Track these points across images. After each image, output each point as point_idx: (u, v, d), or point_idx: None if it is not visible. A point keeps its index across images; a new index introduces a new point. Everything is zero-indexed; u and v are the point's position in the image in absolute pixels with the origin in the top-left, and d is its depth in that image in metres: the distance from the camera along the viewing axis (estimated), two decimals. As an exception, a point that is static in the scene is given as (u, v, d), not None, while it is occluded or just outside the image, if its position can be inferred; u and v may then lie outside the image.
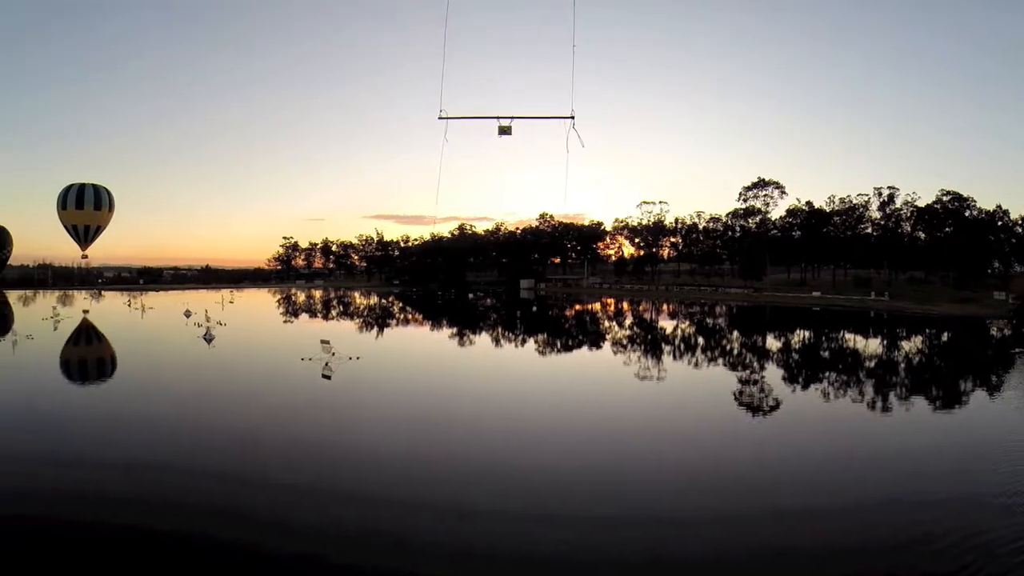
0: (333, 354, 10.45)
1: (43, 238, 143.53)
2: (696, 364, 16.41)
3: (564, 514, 5.42)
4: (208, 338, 15.10)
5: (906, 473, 6.98)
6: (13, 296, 49.33)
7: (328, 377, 9.71)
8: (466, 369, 12.98)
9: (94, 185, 55.88)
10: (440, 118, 10.11)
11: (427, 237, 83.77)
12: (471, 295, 53.05)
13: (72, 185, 55.21)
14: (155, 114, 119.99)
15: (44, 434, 7.59)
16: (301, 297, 49.30)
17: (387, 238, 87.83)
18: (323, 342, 10.67)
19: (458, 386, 10.60)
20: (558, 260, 78.89)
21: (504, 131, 10.40)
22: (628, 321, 30.57)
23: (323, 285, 78.20)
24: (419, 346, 17.43)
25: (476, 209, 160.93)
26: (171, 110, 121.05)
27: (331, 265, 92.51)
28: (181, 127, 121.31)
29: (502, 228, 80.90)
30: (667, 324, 29.15)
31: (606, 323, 28.80)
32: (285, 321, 27.18)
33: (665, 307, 42.04)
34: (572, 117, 10.11)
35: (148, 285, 73.80)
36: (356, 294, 55.74)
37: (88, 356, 14.96)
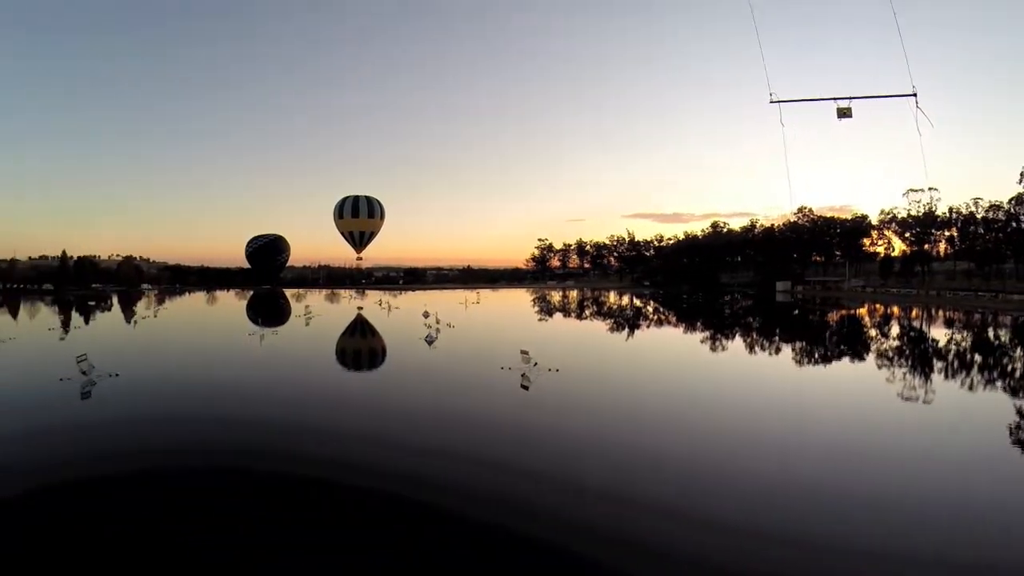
0: (535, 364, 9.78)
1: (320, 244, 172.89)
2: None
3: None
4: (429, 340, 15.35)
5: None
6: (288, 293, 56.00)
7: (526, 388, 8.79)
8: (690, 388, 10.25)
9: (367, 197, 64.52)
10: (771, 102, 10.36)
11: (681, 236, 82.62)
12: (723, 298, 49.03)
13: (348, 197, 63.93)
14: (420, 125, 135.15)
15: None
16: (548, 297, 47.88)
17: (639, 238, 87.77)
18: (523, 352, 10.20)
19: (674, 410, 8.30)
20: (821, 259, 72.38)
21: (843, 114, 10.17)
22: (908, 337, 22.50)
23: (573, 285, 79.64)
24: (638, 356, 15.37)
25: (736, 204, 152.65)
26: (432, 119, 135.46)
27: (586, 265, 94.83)
28: (443, 134, 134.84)
29: (757, 225, 75.77)
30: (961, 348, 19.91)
31: (881, 337, 21.89)
32: (513, 323, 25.86)
33: (944, 316, 32.18)
34: (914, 95, 9.75)
35: (408, 285, 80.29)
36: (602, 295, 53.52)
37: (311, 352, 15.27)
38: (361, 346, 16.77)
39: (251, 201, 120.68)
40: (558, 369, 10.03)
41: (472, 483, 5.08)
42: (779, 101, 10.26)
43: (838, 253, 70.39)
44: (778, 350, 17.22)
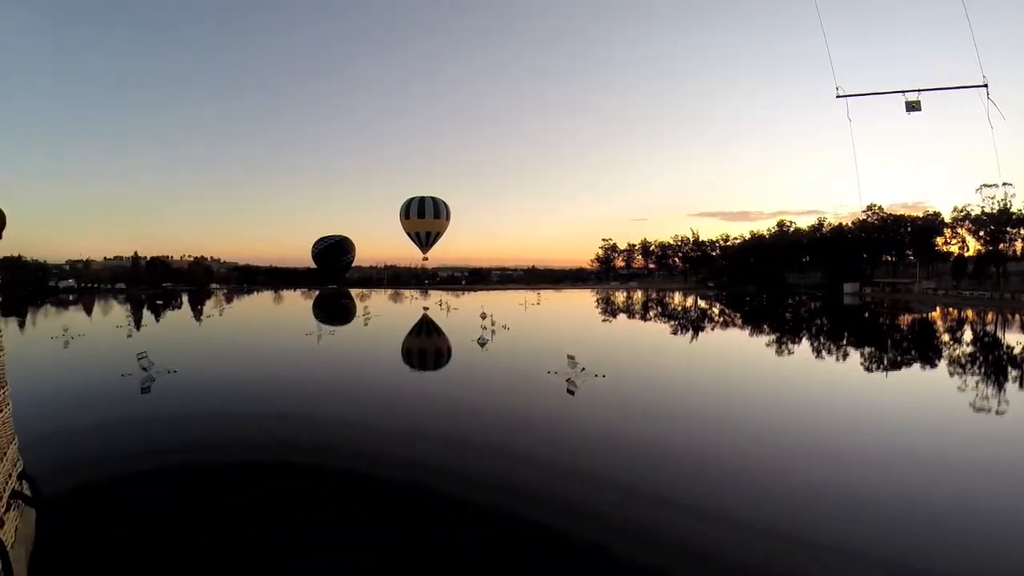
0: (583, 369, 9.52)
1: (385, 244, 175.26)
2: None
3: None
4: (482, 341, 15.16)
5: None
6: (353, 293, 58.05)
7: (572, 392, 8.65)
8: (736, 396, 9.29)
9: (433, 197, 64.26)
10: (838, 96, 10.18)
11: (747, 236, 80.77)
12: (788, 300, 47.28)
13: (414, 198, 64.31)
14: (485, 124, 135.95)
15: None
16: (609, 299, 46.97)
17: (704, 237, 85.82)
18: (569, 356, 9.92)
19: (716, 417, 7.91)
20: (892, 258, 68.96)
21: (912, 107, 9.93)
22: (984, 345, 19.82)
23: (636, 286, 78.26)
24: (691, 361, 14.13)
25: (804, 202, 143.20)
26: (498, 118, 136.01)
27: (651, 266, 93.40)
28: (509, 134, 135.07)
29: (825, 223, 72.51)
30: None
31: (954, 344, 19.46)
32: (568, 326, 24.71)
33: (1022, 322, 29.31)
34: (985, 86, 9.54)
35: (470, 286, 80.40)
36: (665, 296, 52.36)
37: (364, 352, 15.24)
38: (413, 347, 16.44)
39: (319, 203, 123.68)
40: (604, 375, 9.73)
41: (505, 481, 5.04)
42: (846, 96, 10.14)
43: (909, 253, 66.59)
44: (844, 357, 15.44)
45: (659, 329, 23.72)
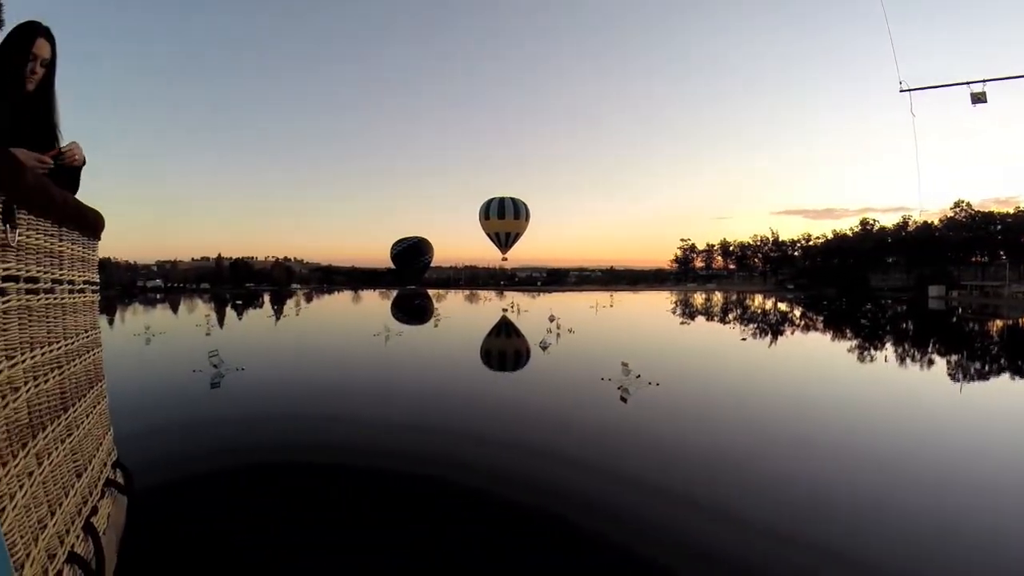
0: (638, 376, 9.27)
1: (464, 244, 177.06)
2: None
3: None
4: (544, 345, 14.57)
5: None
6: (431, 294, 60.62)
7: (624, 400, 8.40)
8: (798, 407, 8.77)
9: (512, 198, 64.76)
10: (902, 91, 9.85)
11: (829, 235, 78.95)
12: (869, 303, 44.02)
13: (493, 198, 64.88)
14: (564, 124, 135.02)
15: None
16: (683, 301, 45.58)
17: (784, 237, 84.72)
18: (623, 364, 9.57)
19: (767, 431, 7.25)
20: (983, 258, 65.12)
21: (978, 99, 9.69)
22: None
23: (714, 288, 76.81)
24: (755, 370, 12.59)
25: (891, 199, 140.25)
26: (577, 118, 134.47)
27: (731, 266, 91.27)
28: (588, 134, 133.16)
29: (910, 221, 69.43)
30: None
31: None
32: (635, 330, 23.99)
33: None
34: None
35: (546, 287, 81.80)
36: (741, 298, 51.67)
37: (426, 354, 14.87)
38: (475, 349, 15.97)
39: (399, 203, 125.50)
40: (658, 383, 9.29)
41: (534, 481, 5.05)
42: (909, 89, 10.01)
43: (1002, 253, 62.25)
44: (927, 365, 14.03)
45: (727, 334, 22.19)
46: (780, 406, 8.74)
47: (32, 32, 2.09)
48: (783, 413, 8.24)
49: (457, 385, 10.16)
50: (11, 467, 1.40)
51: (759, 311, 35.15)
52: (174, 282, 70.55)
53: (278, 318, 26.46)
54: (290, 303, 39.01)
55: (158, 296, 54.02)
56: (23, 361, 1.54)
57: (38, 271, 1.72)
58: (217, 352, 10.17)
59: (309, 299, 45.44)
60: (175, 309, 33.63)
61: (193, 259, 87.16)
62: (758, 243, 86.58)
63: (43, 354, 1.73)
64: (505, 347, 16.53)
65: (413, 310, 34.86)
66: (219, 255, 77.41)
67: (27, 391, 1.55)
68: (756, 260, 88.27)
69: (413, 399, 8.67)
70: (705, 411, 8.29)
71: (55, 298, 1.89)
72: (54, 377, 1.83)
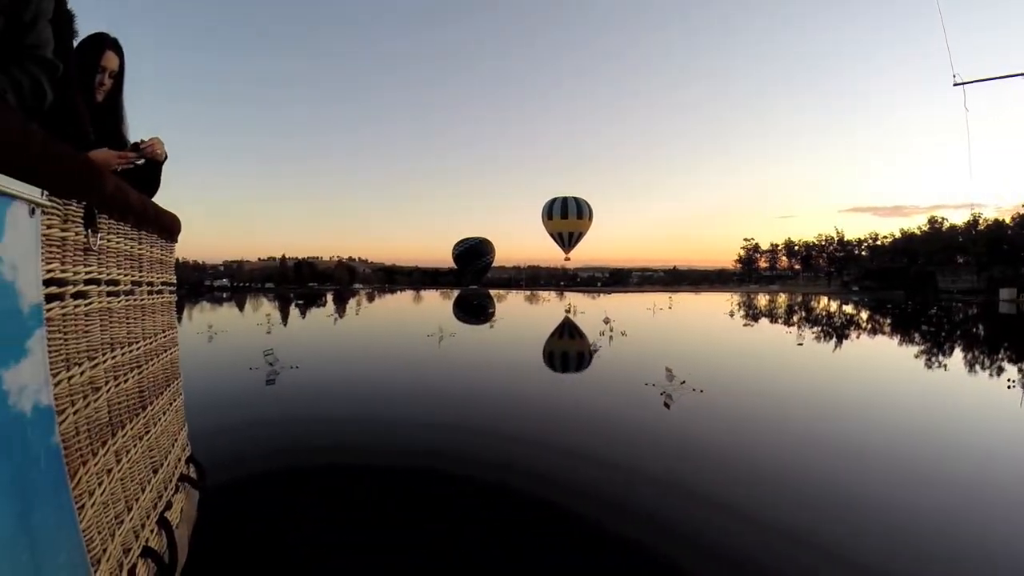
0: (683, 382, 9.15)
1: (527, 244, 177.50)
2: None
3: None
4: (594, 348, 14.48)
5: None
6: (492, 294, 60.65)
7: (668, 406, 8.32)
8: (846, 417, 8.31)
9: (575, 197, 64.86)
10: (955, 84, 9.59)
11: (897, 234, 76.25)
12: (935, 307, 41.57)
13: (556, 198, 65.21)
14: (626, 124, 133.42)
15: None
16: (744, 303, 43.73)
17: (849, 237, 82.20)
18: (667, 369, 9.39)
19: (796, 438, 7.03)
20: None
21: None
22: None
23: (777, 289, 74.12)
24: (804, 378, 11.82)
25: (964, 195, 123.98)
26: (639, 117, 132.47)
27: (796, 267, 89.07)
28: (651, 132, 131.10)
29: (980, 219, 65.27)
30: None
31: None
32: (689, 333, 22.84)
33: None
34: None
35: (606, 287, 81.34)
36: (803, 300, 49.35)
37: (476, 356, 14.65)
38: (526, 351, 15.83)
39: (464, 204, 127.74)
40: (702, 390, 9.07)
41: (561, 482, 5.11)
42: (963, 83, 9.89)
43: None
44: (996, 374, 12.57)
45: (783, 339, 20.81)
46: (820, 416, 8.40)
47: (101, 44, 2.15)
48: (822, 423, 7.87)
49: (500, 387, 10.28)
50: (91, 465, 1.43)
51: (819, 314, 33.75)
52: (240, 282, 74.29)
53: (339, 317, 26.98)
54: (351, 303, 39.95)
55: (224, 295, 56.50)
56: (104, 361, 1.59)
57: (118, 274, 1.77)
58: (272, 351, 10.59)
59: (371, 299, 46.47)
60: (241, 308, 35.04)
61: (260, 259, 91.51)
62: (823, 243, 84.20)
63: (123, 354, 1.78)
64: (555, 350, 16.54)
65: (470, 311, 35.05)
66: (283, 256, 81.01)
67: (107, 391, 1.60)
68: (821, 260, 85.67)
69: (455, 400, 8.82)
70: (746, 419, 8.07)
71: (134, 299, 1.95)
72: (133, 376, 1.89)
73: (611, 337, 17.09)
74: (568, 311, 32.45)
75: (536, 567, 3.75)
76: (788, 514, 4.58)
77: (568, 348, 16.69)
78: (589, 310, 32.46)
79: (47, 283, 1.20)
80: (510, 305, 39.13)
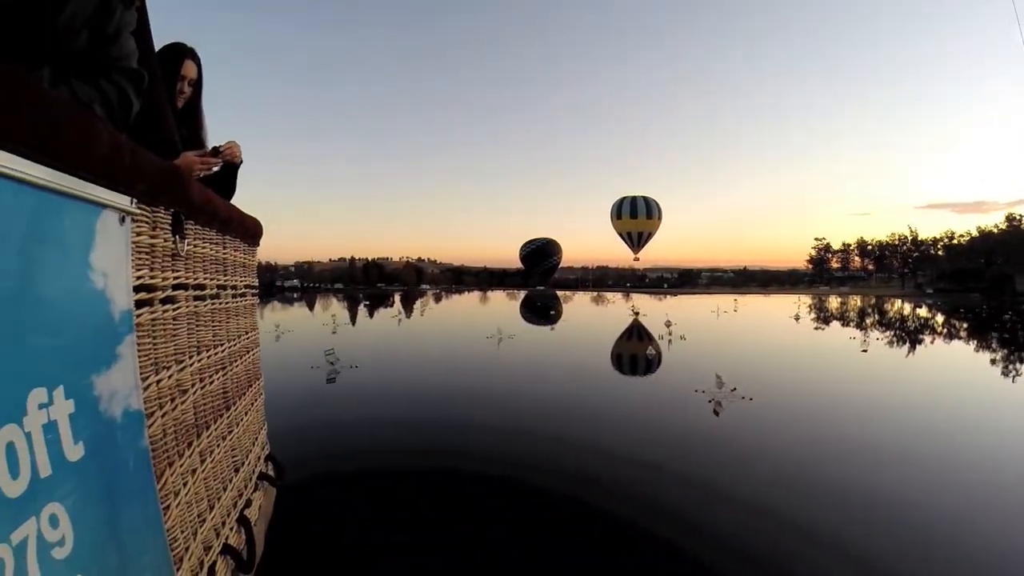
0: (733, 389, 8.90)
1: (594, 244, 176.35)
2: None
3: None
4: (650, 354, 14.03)
5: None
6: (559, 295, 60.92)
7: (717, 414, 8.14)
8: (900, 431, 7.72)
9: (644, 197, 64.36)
10: None
11: (975, 233, 73.60)
12: (1009, 311, 37.74)
13: (625, 197, 64.78)
14: (695, 123, 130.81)
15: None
16: (811, 306, 42.09)
17: (926, 235, 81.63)
18: (717, 376, 9.06)
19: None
20: None
21: None
22: None
23: (847, 291, 71.67)
24: (858, 389, 10.71)
25: None
26: (708, 116, 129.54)
27: (870, 267, 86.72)
28: (720, 131, 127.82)
29: None
30: None
31: None
32: (749, 338, 21.40)
33: None
34: None
35: (672, 289, 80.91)
36: (874, 303, 47.08)
37: (533, 359, 14.40)
38: (579, 354, 15.74)
39: (533, 205, 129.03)
40: (751, 398, 8.86)
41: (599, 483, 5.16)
42: None
43: None
44: None
45: (846, 345, 19.32)
46: (869, 430, 7.80)
47: (180, 54, 2.24)
48: (869, 437, 7.27)
49: (549, 390, 10.28)
50: (177, 466, 1.46)
51: (888, 318, 32.08)
52: (310, 282, 77.80)
53: (403, 318, 27.57)
54: (418, 303, 40.67)
55: (295, 295, 59.12)
56: (191, 364, 1.62)
57: (204, 278, 1.80)
58: (333, 350, 10.95)
59: (438, 299, 47.10)
60: (311, 308, 36.16)
61: (331, 259, 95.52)
62: (896, 242, 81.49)
63: (209, 356, 1.82)
64: (610, 353, 16.32)
65: (533, 312, 35.15)
66: (352, 257, 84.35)
67: (194, 393, 1.63)
68: (895, 261, 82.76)
69: (501, 401, 8.93)
70: (789, 428, 7.80)
71: (220, 303, 1.99)
72: (218, 378, 1.93)
73: (670, 341, 16.94)
74: (632, 313, 32.17)
75: (581, 566, 3.71)
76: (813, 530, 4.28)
77: (624, 352, 16.45)
78: (653, 312, 31.86)
79: (137, 289, 1.23)
80: (574, 307, 39.04)
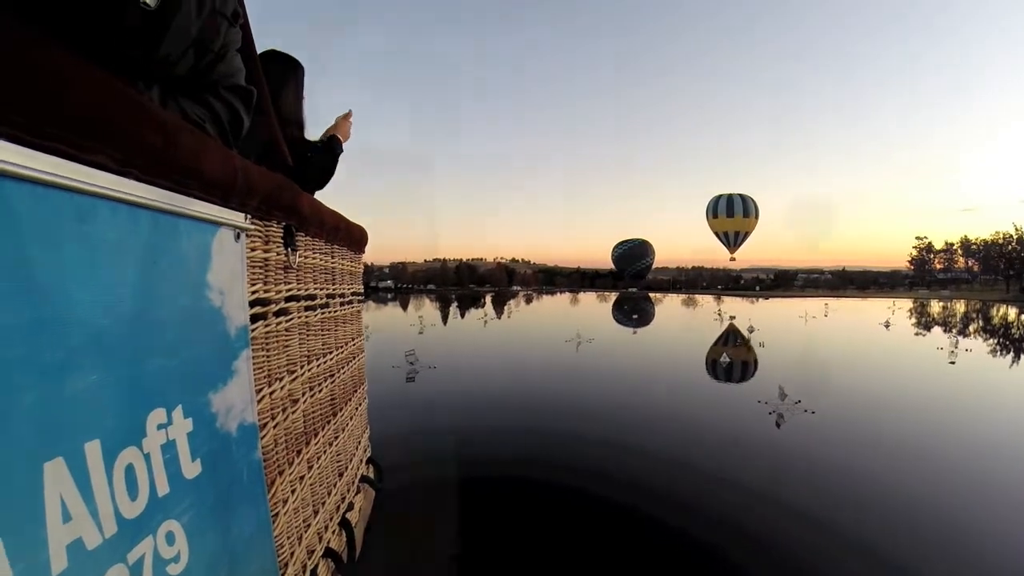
0: (797, 402, 8.80)
1: (689, 243, 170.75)
2: None
3: None
4: (723, 362, 13.90)
5: None
6: (651, 296, 61.13)
7: (778, 426, 7.94)
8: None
9: (741, 195, 62.01)
10: None
11: None
12: None
13: (721, 195, 62.44)
14: (789, 120, 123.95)
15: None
16: (906, 311, 38.29)
17: None
18: (780, 388, 9.06)
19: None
20: None
21: None
22: None
23: (948, 295, 66.78)
24: (937, 406, 10.04)
25: None
26: (800, 112, 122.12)
27: (975, 268, 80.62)
28: (814, 126, 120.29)
29: None
30: None
31: None
32: (833, 347, 19.31)
33: None
34: None
35: (765, 291, 77.83)
36: (977, 308, 43.27)
37: (607, 364, 14.19)
38: (652, 360, 15.51)
39: (628, 204, 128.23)
40: (814, 411, 8.60)
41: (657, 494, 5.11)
42: None
43: None
44: None
45: (932, 356, 17.63)
46: (941, 449, 7.28)
47: (296, 65, 2.22)
48: (941, 459, 6.74)
49: (613, 395, 10.22)
50: (287, 475, 1.46)
51: (982, 327, 29.37)
52: (403, 283, 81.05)
53: (490, 319, 27.86)
54: (509, 304, 41.31)
55: (389, 296, 61.82)
56: (302, 374, 1.62)
57: (315, 288, 1.79)
58: (413, 351, 11.38)
59: (528, 301, 47.41)
60: (404, 308, 37.52)
61: (425, 260, 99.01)
62: (1003, 241, 74.49)
63: (318, 365, 1.83)
64: (685, 360, 15.88)
65: (619, 315, 34.63)
66: (444, 258, 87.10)
67: (304, 402, 1.64)
68: (1001, 262, 75.25)
69: (563, 405, 8.96)
70: (846, 444, 7.45)
71: (328, 312, 1.98)
72: (327, 386, 1.95)
73: (748, 348, 16.41)
74: (718, 317, 31.39)
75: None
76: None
77: (698, 358, 15.90)
78: (740, 316, 31.21)
79: (252, 304, 1.24)
80: (663, 309, 38.57)
